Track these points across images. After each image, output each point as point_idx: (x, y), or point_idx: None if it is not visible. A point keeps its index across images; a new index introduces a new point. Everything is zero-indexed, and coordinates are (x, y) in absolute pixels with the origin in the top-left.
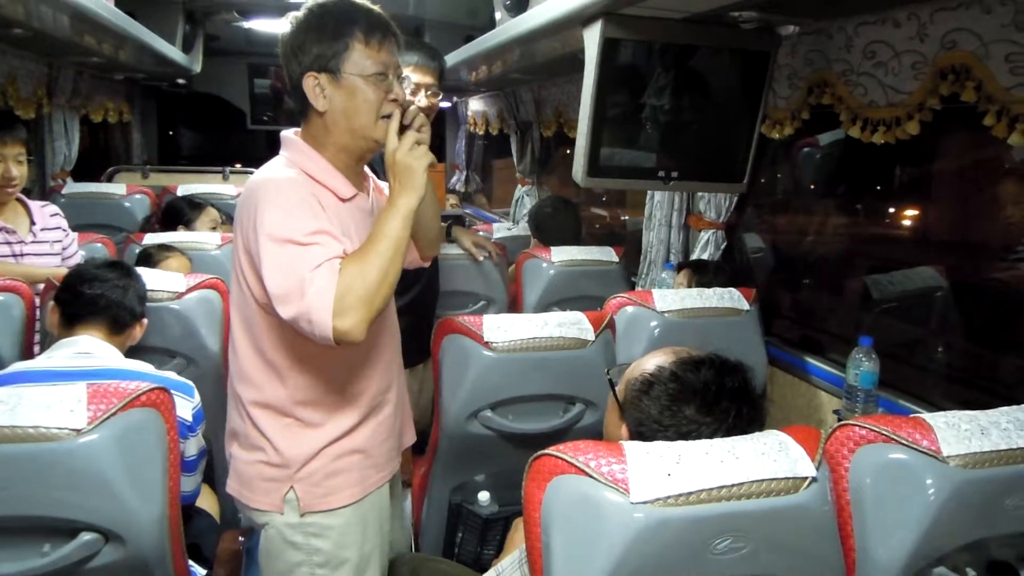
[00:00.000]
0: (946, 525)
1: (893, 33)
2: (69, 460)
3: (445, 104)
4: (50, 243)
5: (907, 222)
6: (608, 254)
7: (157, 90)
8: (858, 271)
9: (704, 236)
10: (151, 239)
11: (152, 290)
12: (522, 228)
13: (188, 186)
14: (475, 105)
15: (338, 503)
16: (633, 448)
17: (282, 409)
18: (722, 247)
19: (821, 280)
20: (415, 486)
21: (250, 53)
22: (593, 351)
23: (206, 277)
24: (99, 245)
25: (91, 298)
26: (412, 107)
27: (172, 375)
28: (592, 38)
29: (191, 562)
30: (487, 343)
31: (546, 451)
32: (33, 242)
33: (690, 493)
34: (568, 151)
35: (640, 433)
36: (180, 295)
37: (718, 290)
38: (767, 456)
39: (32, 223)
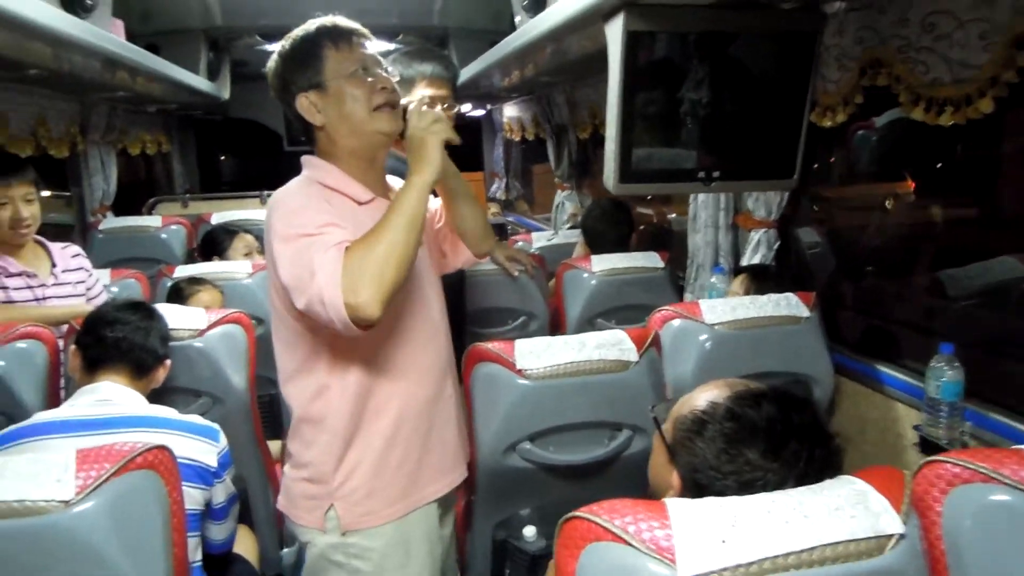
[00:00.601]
0: None
1: (955, 1)
2: (57, 535)
3: (479, 112)
4: (72, 284)
5: (982, 208)
6: (653, 260)
7: (194, 119)
8: (929, 265)
9: (755, 236)
10: (182, 271)
11: (173, 328)
12: (563, 236)
13: (223, 213)
14: (509, 111)
15: (379, 521)
16: (679, 509)
17: (321, 424)
18: (775, 247)
19: (888, 278)
20: (457, 518)
21: None
22: (638, 372)
23: (228, 312)
24: (132, 281)
25: (113, 341)
26: (412, 106)
27: (196, 419)
28: (614, 33)
29: None
30: (520, 370)
31: (578, 513)
32: (55, 284)
33: (749, 564)
34: None
35: (695, 481)
36: (202, 332)
37: (773, 296)
38: (842, 512)
39: (53, 265)
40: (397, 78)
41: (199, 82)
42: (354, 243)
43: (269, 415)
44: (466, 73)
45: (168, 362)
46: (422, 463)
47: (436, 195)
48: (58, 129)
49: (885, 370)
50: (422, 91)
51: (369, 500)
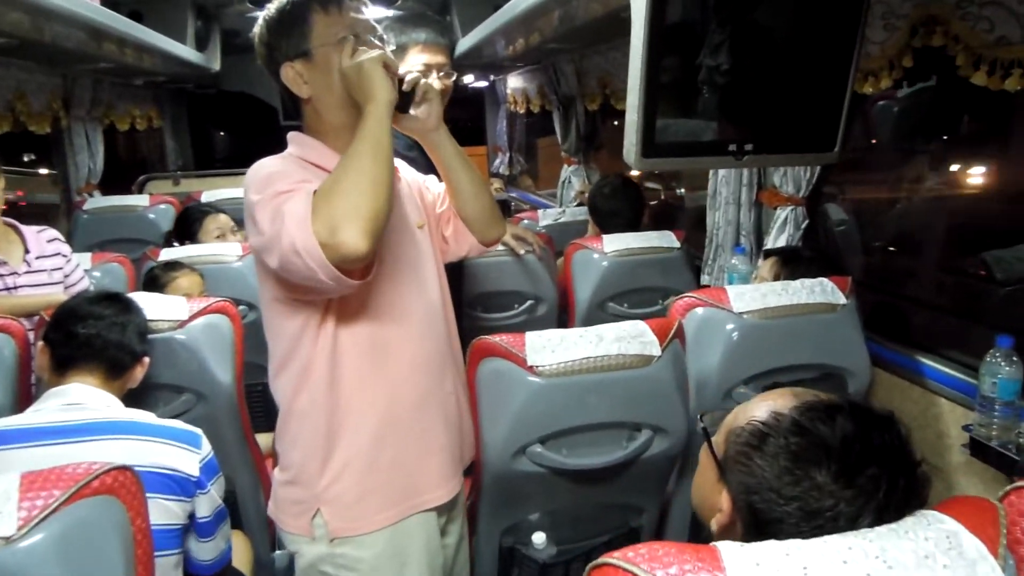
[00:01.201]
0: None
1: None
2: None
3: (482, 83)
4: (48, 272)
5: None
6: (668, 239)
7: (186, 93)
8: (972, 246)
9: (781, 214)
10: (168, 255)
11: (153, 320)
12: (571, 214)
13: (215, 191)
14: (514, 82)
15: (370, 527)
16: (736, 557)
17: (305, 419)
18: (803, 226)
19: (926, 261)
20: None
21: None
22: (660, 367)
23: (212, 300)
24: (115, 265)
25: (85, 339)
26: (411, 75)
27: (176, 424)
28: None
29: None
30: (531, 367)
31: (612, 560)
32: (28, 272)
33: None
34: (616, 123)
35: (750, 505)
36: (183, 323)
37: (807, 282)
38: (934, 561)
39: (26, 251)
40: (393, 47)
41: (186, 52)
42: (320, 185)
43: (262, 406)
44: (469, 41)
45: (147, 360)
46: (419, 466)
47: (439, 178)
48: (39, 103)
49: (926, 362)
50: (416, 57)
51: (359, 504)
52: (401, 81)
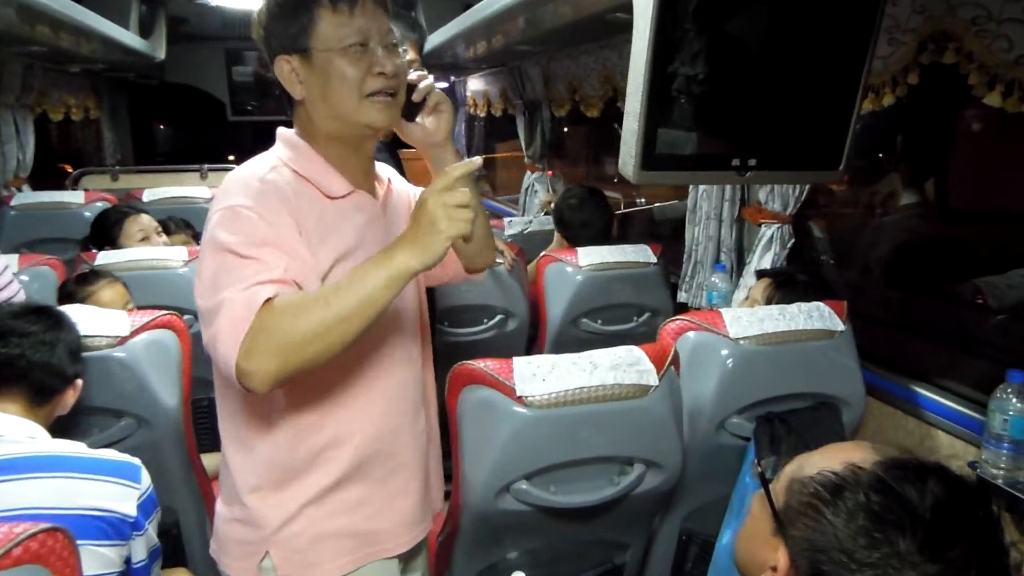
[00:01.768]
0: None
1: None
2: None
3: (442, 85)
4: None
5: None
6: (644, 253)
7: (127, 83)
8: (965, 271)
9: (767, 232)
10: (105, 258)
11: (88, 336)
12: (538, 223)
13: (157, 189)
14: (474, 84)
15: (323, 575)
16: None
17: (257, 452)
18: (789, 245)
19: (915, 285)
20: (430, 566)
21: (227, 37)
22: (657, 398)
23: (158, 315)
24: (46, 268)
25: (6, 360)
26: (426, 81)
27: (110, 455)
28: None
29: None
30: (520, 397)
31: None
32: None
33: None
34: (585, 130)
35: (813, 565)
36: (124, 340)
37: (803, 306)
38: None
39: None
40: (411, 57)
41: (129, 38)
42: (281, 302)
43: (208, 422)
44: (435, 39)
45: (79, 382)
46: (384, 510)
47: (512, 245)
48: None
49: (923, 392)
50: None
51: (313, 549)
52: (411, 88)
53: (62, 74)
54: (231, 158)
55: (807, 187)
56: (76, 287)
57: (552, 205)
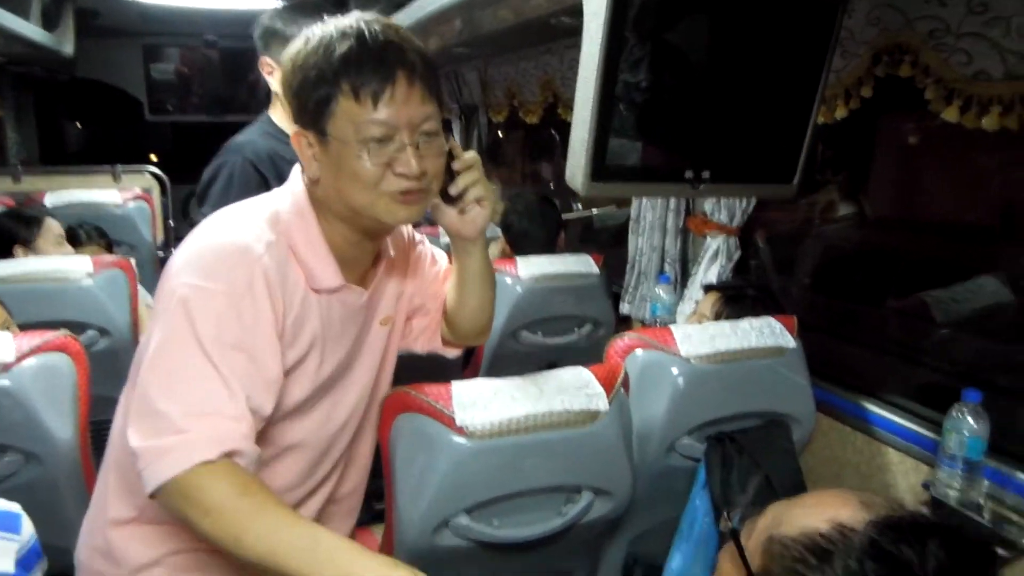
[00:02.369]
0: None
1: None
2: None
3: None
4: None
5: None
6: (586, 264)
7: (33, 78)
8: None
9: (712, 244)
10: (2, 268)
11: None
12: None
13: (63, 192)
14: None
15: None
16: None
17: (136, 488)
18: (735, 258)
19: (865, 299)
20: None
21: (145, 33)
22: (607, 423)
23: (49, 336)
24: None
25: None
26: (469, 175)
27: None
28: None
29: None
30: (460, 428)
31: None
32: None
33: None
34: (520, 136)
35: None
36: (7, 366)
37: (754, 322)
38: None
39: None
40: (441, 154)
41: (30, 31)
42: (226, 492)
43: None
44: None
45: None
46: None
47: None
48: None
49: (872, 409)
50: None
51: None
52: (450, 174)
53: None
54: (153, 158)
55: (754, 199)
56: None
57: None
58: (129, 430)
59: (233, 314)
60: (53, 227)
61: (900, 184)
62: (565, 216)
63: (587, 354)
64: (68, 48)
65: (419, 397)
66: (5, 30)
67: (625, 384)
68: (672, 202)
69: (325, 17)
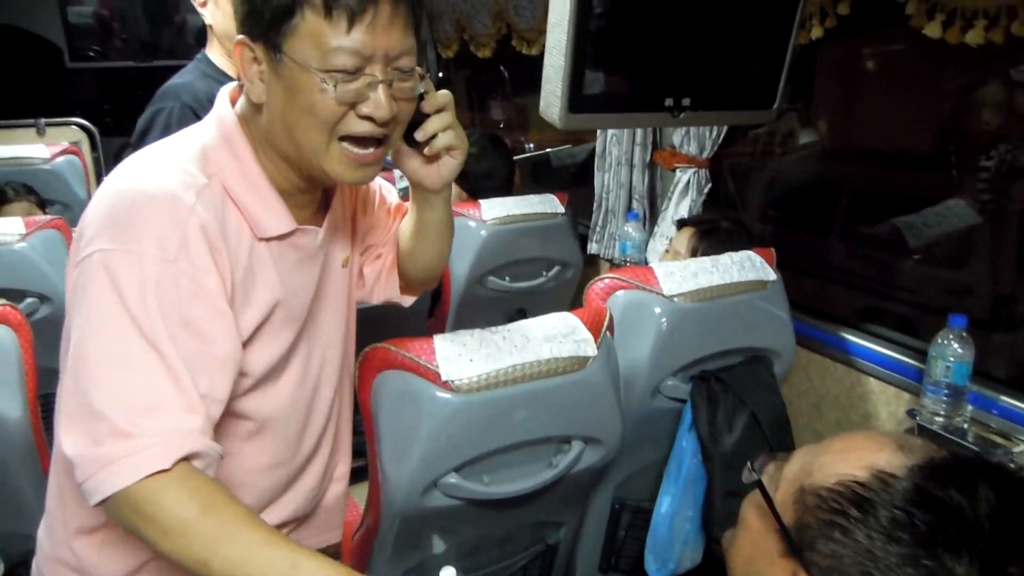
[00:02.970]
0: None
1: None
2: None
3: None
4: None
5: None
6: (551, 204)
7: None
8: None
9: (682, 177)
10: None
11: None
12: None
13: None
14: None
15: None
16: None
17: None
18: (705, 191)
19: (828, 224)
20: None
21: None
22: (595, 369)
23: None
24: None
25: None
26: (440, 118)
27: None
28: None
29: None
30: (446, 383)
31: None
32: None
33: None
34: (468, 74)
35: None
36: None
37: (734, 256)
38: None
39: None
40: (421, 90)
41: None
42: (198, 517)
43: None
44: None
45: None
46: None
47: (405, 198)
48: None
49: (851, 339)
50: None
51: None
52: (419, 117)
53: None
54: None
55: (724, 128)
56: None
57: None
58: (61, 432)
59: (168, 281)
60: None
61: (861, 113)
62: (518, 157)
63: (556, 297)
64: None
65: (400, 353)
66: None
67: (611, 328)
68: (639, 135)
69: None
